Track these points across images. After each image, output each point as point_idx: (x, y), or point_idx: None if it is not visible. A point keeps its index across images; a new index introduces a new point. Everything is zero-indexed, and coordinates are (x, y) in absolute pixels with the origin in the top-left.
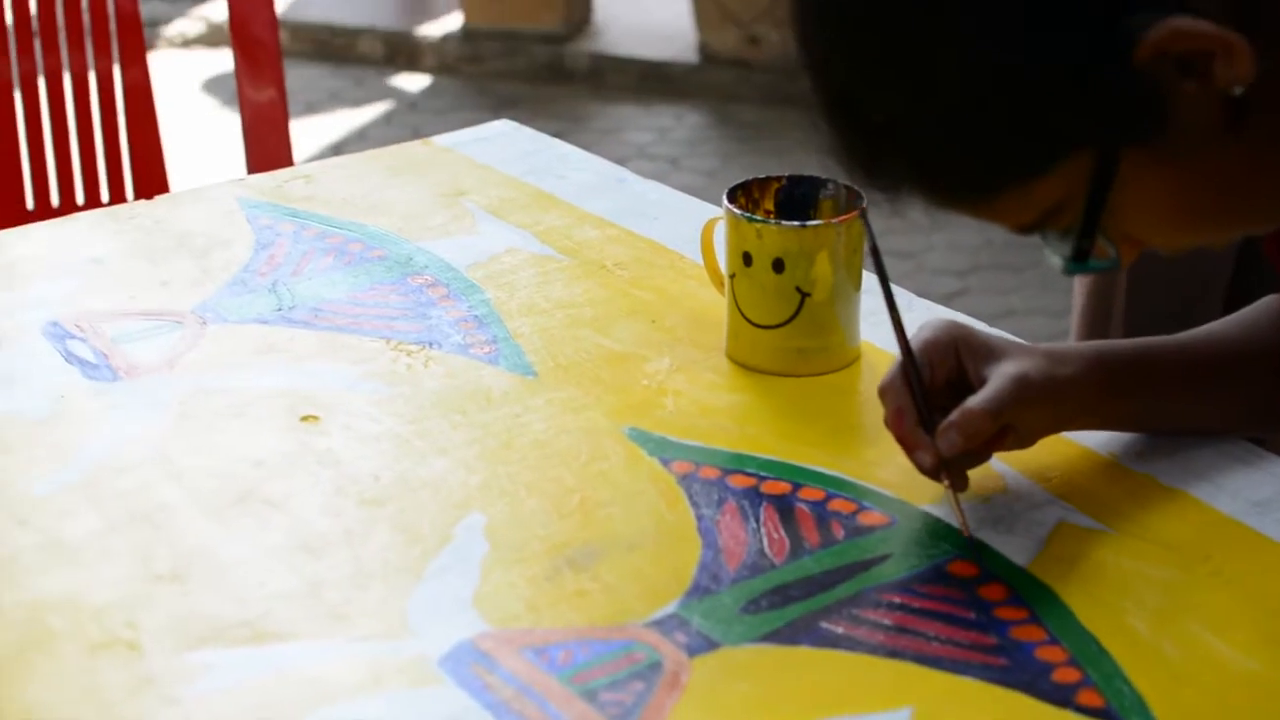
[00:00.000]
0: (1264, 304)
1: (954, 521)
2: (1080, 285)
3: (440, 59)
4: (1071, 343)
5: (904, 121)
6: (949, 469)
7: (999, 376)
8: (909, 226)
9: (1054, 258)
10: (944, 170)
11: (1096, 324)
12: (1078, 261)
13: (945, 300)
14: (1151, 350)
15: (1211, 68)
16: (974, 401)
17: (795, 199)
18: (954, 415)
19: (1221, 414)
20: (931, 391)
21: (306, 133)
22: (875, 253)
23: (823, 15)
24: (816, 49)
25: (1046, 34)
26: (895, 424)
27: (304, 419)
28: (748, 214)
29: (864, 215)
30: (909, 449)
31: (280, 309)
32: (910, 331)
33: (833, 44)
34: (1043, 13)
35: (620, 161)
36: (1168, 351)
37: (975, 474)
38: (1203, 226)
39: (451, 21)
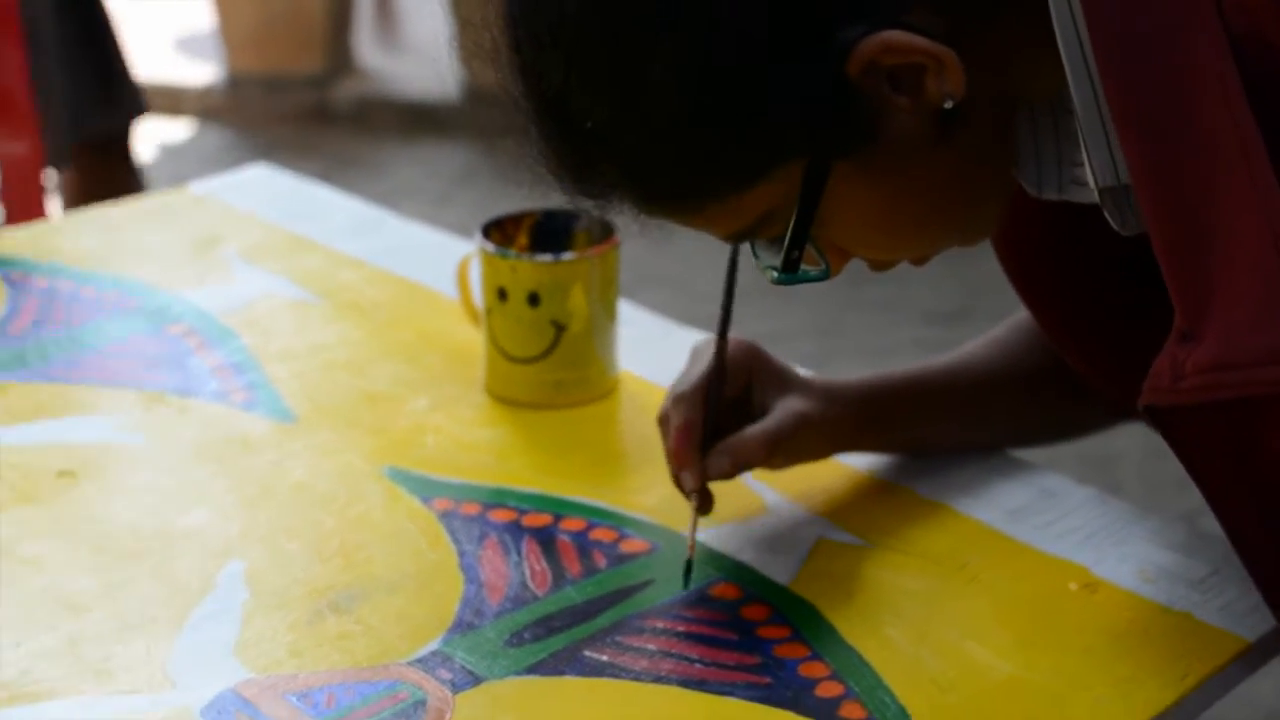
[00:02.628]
0: (1014, 324)
1: (718, 548)
2: None
3: (204, 106)
4: (847, 379)
5: (615, 127)
6: (701, 491)
7: (782, 410)
8: (674, 252)
9: (765, 268)
10: (654, 178)
11: None
12: (788, 271)
13: (713, 325)
14: (919, 382)
15: (923, 81)
16: (752, 432)
17: (550, 232)
18: (730, 440)
19: (985, 436)
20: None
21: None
22: (732, 265)
23: (535, 19)
24: (529, 52)
25: (759, 45)
26: (679, 436)
27: (60, 475)
28: (501, 249)
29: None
30: (679, 464)
31: (34, 365)
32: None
33: (545, 48)
34: (755, 24)
35: (388, 201)
36: (933, 381)
37: (737, 497)
38: (910, 238)
39: (214, 68)
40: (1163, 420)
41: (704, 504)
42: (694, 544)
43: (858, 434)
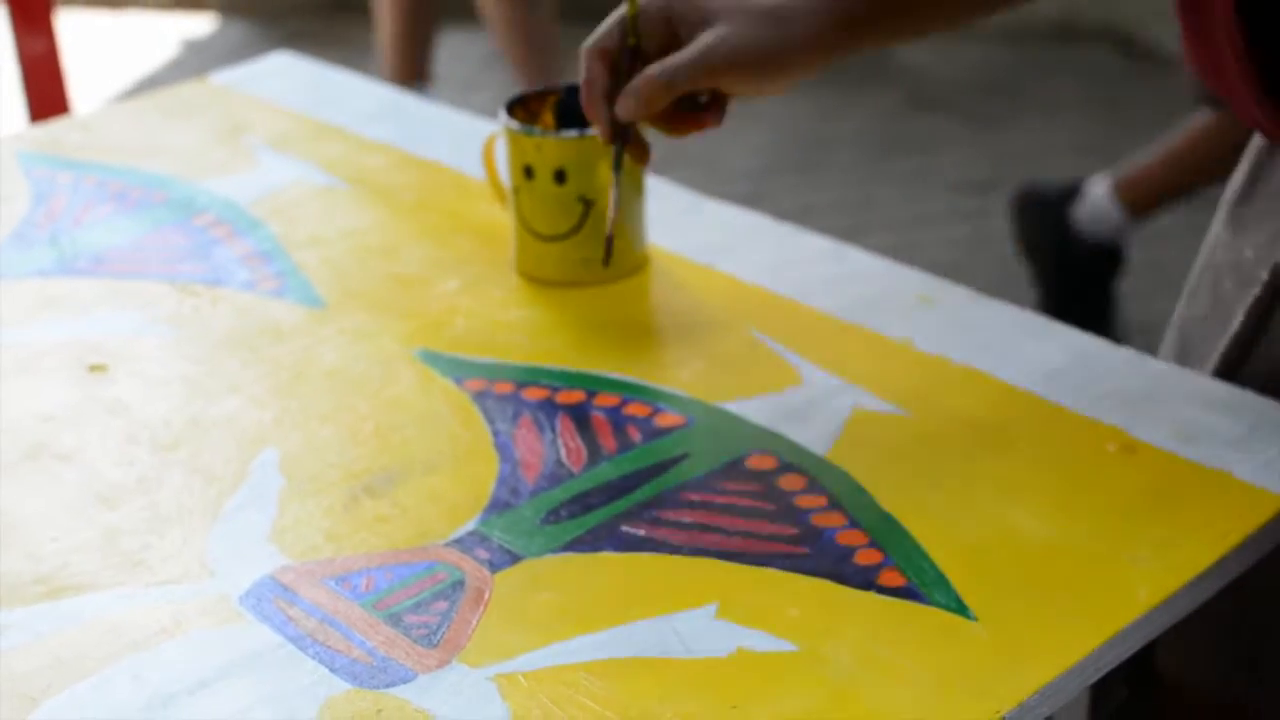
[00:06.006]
0: None
1: (754, 419)
2: None
3: (224, 0)
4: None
5: None
6: (617, 136)
7: (694, 44)
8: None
9: None
10: None
11: None
12: None
13: (743, 201)
14: None
15: None
16: (653, 68)
17: (575, 109)
18: (634, 80)
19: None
20: (647, 62)
21: (94, 83)
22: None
23: None
24: None
25: None
26: (584, 91)
27: (92, 369)
28: (526, 126)
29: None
30: (590, 118)
31: (62, 260)
32: None
33: None
34: None
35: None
36: None
37: (771, 368)
38: None
39: None
40: None
41: (618, 140)
42: (615, 211)
43: (826, 45)
